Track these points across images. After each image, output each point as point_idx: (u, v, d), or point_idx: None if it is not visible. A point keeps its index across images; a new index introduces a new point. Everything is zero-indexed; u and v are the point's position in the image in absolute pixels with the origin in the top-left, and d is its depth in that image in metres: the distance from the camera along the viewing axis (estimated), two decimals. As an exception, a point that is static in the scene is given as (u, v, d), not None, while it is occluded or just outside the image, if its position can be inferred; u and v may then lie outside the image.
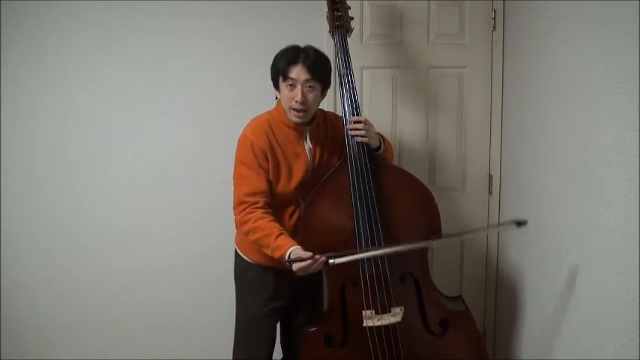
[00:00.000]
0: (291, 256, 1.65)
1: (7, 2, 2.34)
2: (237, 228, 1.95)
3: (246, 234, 1.80)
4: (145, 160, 2.46)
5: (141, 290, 2.52)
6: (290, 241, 1.70)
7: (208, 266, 2.48)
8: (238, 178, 1.84)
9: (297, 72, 1.77)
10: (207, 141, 2.44)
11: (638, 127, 1.32)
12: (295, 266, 1.63)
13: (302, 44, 1.84)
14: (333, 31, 1.97)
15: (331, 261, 1.65)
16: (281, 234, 1.72)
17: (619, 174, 1.40)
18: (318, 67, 1.79)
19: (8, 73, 2.39)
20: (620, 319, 1.41)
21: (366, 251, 1.76)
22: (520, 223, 1.72)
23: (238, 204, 1.81)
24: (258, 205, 1.78)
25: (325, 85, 1.86)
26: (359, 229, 1.81)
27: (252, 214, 1.76)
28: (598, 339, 1.51)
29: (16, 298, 2.51)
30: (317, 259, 1.63)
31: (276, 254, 1.70)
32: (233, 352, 2.04)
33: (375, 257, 1.80)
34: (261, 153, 1.82)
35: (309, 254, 1.63)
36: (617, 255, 1.42)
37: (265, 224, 1.74)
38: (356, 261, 1.77)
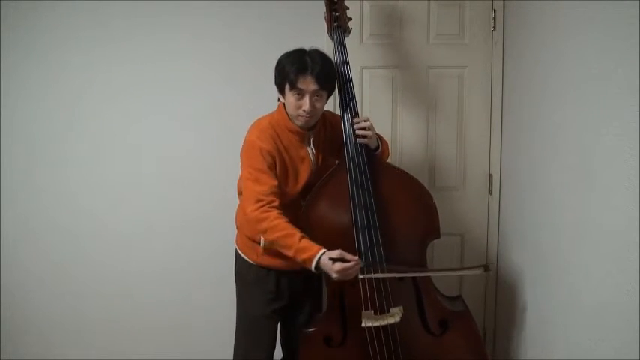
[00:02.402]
0: (332, 256, 1.66)
1: (7, 2, 2.34)
2: (238, 228, 1.95)
3: (263, 232, 1.77)
4: (144, 161, 2.46)
5: (141, 291, 2.53)
6: (315, 244, 1.71)
7: (208, 267, 2.48)
8: (252, 180, 1.80)
9: (306, 83, 1.76)
10: (207, 142, 2.44)
11: (638, 127, 1.31)
12: (338, 265, 1.65)
13: (302, 45, 1.84)
14: (331, 31, 1.97)
15: (361, 276, 1.73)
16: (304, 236, 1.72)
17: (619, 174, 1.40)
18: (325, 75, 1.78)
19: (8, 73, 2.39)
20: (620, 319, 1.41)
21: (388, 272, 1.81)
22: (487, 269, 1.84)
23: (255, 202, 1.77)
24: (274, 204, 1.76)
25: (331, 91, 1.86)
26: (357, 229, 1.82)
27: (270, 213, 1.74)
28: (598, 339, 1.51)
29: (16, 298, 2.52)
30: (358, 262, 1.68)
31: (302, 255, 1.70)
32: (234, 353, 2.04)
33: (374, 256, 1.81)
34: (270, 157, 1.82)
35: (354, 257, 1.68)
36: (617, 255, 1.41)
37: (284, 224, 1.73)
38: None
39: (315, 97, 1.78)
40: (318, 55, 1.80)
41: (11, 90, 2.40)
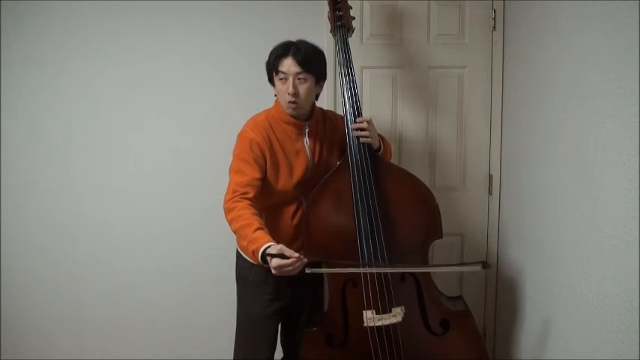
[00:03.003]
0: (272, 251, 1.58)
1: (7, 2, 2.34)
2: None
3: (230, 222, 1.75)
4: (144, 161, 2.46)
5: (141, 291, 2.53)
6: (268, 237, 1.64)
7: (208, 267, 2.48)
8: (234, 170, 1.82)
9: (288, 65, 1.79)
10: (207, 141, 2.44)
11: (638, 127, 1.32)
12: (275, 262, 1.57)
13: (294, 40, 1.86)
14: (334, 30, 1.97)
15: (307, 270, 1.62)
16: (260, 228, 1.67)
17: (619, 174, 1.40)
18: (308, 59, 1.80)
19: (8, 73, 2.39)
20: (619, 319, 1.41)
21: (352, 266, 1.77)
22: (485, 266, 1.75)
23: (229, 192, 1.77)
24: (248, 195, 1.75)
25: (319, 77, 1.86)
26: (360, 230, 1.82)
27: (239, 203, 1.73)
28: (598, 339, 1.51)
29: (16, 298, 2.52)
30: (300, 259, 1.58)
31: (251, 246, 1.64)
32: (234, 354, 2.04)
33: (376, 257, 1.81)
34: (260, 150, 1.82)
35: (294, 254, 1.58)
36: (617, 255, 1.42)
37: (248, 215, 1.70)
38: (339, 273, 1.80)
39: (299, 79, 1.80)
40: (303, 42, 1.84)
41: (11, 90, 2.40)
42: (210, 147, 2.43)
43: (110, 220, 2.48)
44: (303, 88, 1.81)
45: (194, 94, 2.43)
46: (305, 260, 1.60)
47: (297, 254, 1.58)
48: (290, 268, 1.58)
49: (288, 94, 1.79)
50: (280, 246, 1.60)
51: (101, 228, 2.49)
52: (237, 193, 1.75)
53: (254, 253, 1.64)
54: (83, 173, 2.46)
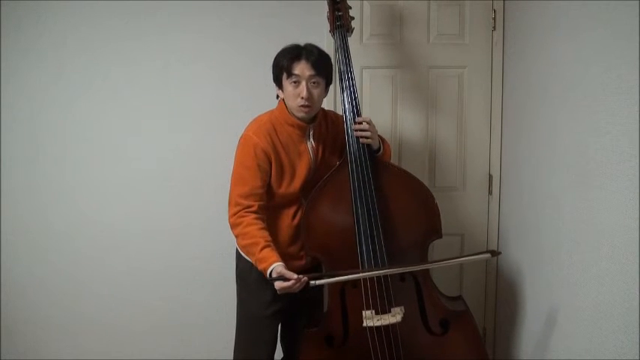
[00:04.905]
0: (273, 275, 1.66)
1: (7, 2, 2.34)
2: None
3: (236, 237, 1.81)
4: (144, 162, 2.46)
5: (140, 291, 2.53)
6: (274, 255, 1.70)
7: (208, 268, 2.48)
8: (235, 178, 1.83)
9: (302, 68, 1.78)
10: (208, 143, 2.44)
11: (638, 127, 1.32)
12: (277, 284, 1.65)
13: (302, 44, 1.85)
14: (333, 30, 1.97)
15: (312, 282, 1.67)
16: (267, 246, 1.72)
17: (619, 174, 1.40)
18: (321, 62, 1.81)
19: (8, 74, 2.39)
20: (620, 319, 1.41)
21: (352, 273, 1.76)
22: (494, 253, 1.76)
23: (232, 205, 1.81)
24: (252, 209, 1.78)
25: (328, 81, 1.87)
26: (359, 230, 1.82)
27: (244, 219, 1.77)
28: (598, 339, 1.51)
29: (16, 298, 2.52)
30: (300, 280, 1.64)
31: (260, 266, 1.72)
32: (234, 354, 2.04)
33: (376, 257, 1.80)
34: (263, 154, 1.81)
35: (293, 276, 1.63)
36: (617, 255, 1.42)
37: (255, 232, 1.75)
38: (341, 281, 1.80)
39: (312, 82, 1.80)
40: (312, 46, 1.85)
41: (11, 91, 2.40)
42: (211, 148, 2.43)
43: (110, 221, 2.48)
44: (316, 92, 1.81)
45: (194, 94, 2.43)
46: (305, 279, 1.65)
47: (295, 276, 1.64)
48: (294, 287, 1.65)
49: (302, 97, 1.79)
50: (280, 269, 1.66)
51: (101, 229, 2.48)
52: (240, 207, 1.79)
53: (263, 271, 1.71)
54: (83, 173, 2.46)
